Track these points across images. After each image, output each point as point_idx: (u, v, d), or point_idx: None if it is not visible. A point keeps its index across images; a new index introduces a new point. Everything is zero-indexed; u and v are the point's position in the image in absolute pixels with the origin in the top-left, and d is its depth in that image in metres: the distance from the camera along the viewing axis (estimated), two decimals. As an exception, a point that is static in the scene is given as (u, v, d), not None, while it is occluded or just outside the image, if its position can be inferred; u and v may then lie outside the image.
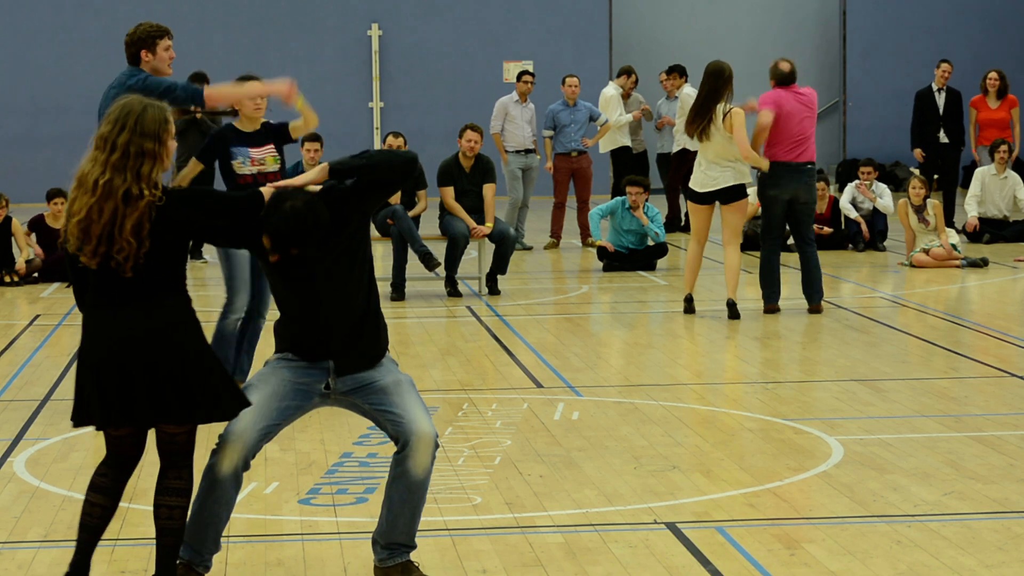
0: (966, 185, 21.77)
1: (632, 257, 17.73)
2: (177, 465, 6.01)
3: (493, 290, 15.82)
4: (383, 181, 6.30)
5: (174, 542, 6.01)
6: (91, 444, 9.14)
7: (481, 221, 15.93)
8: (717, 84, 13.71)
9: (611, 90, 21.44)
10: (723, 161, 13.80)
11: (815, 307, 14.10)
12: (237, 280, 10.40)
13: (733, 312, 13.77)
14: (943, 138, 21.34)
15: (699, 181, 14.00)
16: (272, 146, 10.54)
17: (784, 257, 14.69)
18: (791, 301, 14.46)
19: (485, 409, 10.01)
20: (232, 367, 10.35)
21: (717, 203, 14.06)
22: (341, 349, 6.38)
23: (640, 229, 17.72)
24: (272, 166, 10.49)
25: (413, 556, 6.37)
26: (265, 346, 10.36)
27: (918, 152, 21.38)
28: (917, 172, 20.43)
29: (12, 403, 10.46)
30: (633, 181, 17.81)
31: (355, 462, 8.58)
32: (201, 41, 28.16)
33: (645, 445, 8.92)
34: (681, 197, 22.18)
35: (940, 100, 21.47)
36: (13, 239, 17.35)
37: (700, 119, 13.76)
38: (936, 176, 21.31)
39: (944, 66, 21.59)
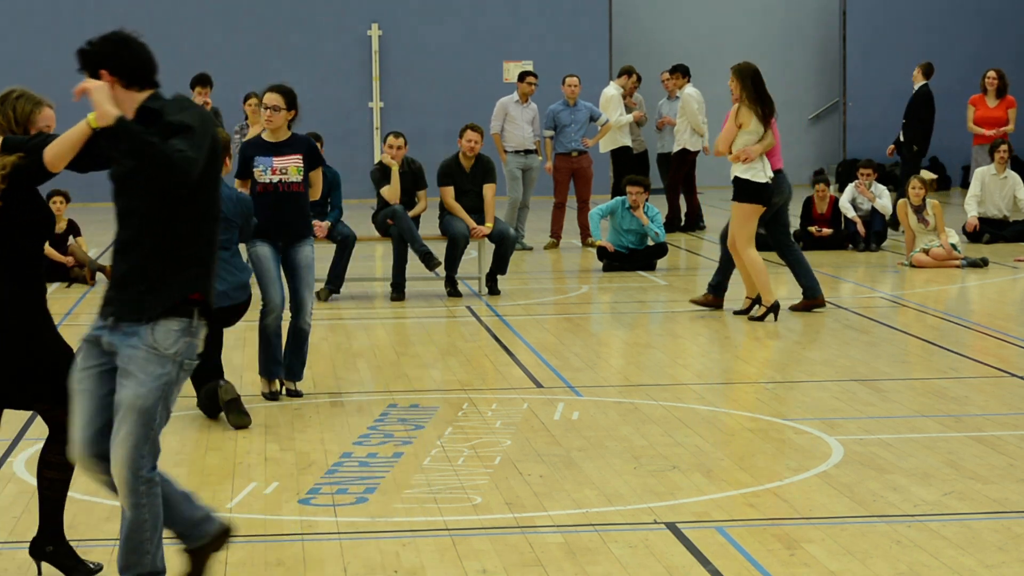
0: (966, 185, 21.80)
1: (632, 257, 17.73)
2: (56, 440, 6.40)
3: (493, 290, 15.81)
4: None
5: (52, 509, 6.49)
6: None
7: (481, 221, 15.92)
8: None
9: (612, 90, 21.43)
10: None
11: (823, 299, 14.12)
12: (263, 278, 10.46)
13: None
14: (901, 137, 21.51)
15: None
16: (299, 156, 10.62)
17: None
18: (791, 301, 14.45)
19: (485, 409, 10.01)
20: (280, 368, 10.44)
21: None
22: (111, 300, 5.84)
23: (640, 229, 17.71)
24: (295, 176, 10.58)
25: (412, 556, 6.37)
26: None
27: (890, 148, 21.70)
28: (926, 172, 20.47)
29: (12, 403, 10.44)
30: (633, 181, 17.80)
31: (355, 462, 8.59)
32: (201, 41, 28.19)
33: (645, 445, 8.92)
34: (681, 197, 22.21)
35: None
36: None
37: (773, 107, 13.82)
38: (934, 176, 21.34)
39: (916, 71, 21.72)
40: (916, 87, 21.52)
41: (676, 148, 21.73)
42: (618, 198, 18.00)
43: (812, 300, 14.12)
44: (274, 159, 10.60)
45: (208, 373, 9.82)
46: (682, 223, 22.18)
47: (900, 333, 13.26)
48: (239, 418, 9.54)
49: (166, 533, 5.95)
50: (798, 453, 8.72)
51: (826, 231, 19.41)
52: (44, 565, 6.67)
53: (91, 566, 6.59)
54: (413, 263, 15.88)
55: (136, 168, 5.65)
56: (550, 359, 11.91)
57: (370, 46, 29.79)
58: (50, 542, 6.54)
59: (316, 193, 10.74)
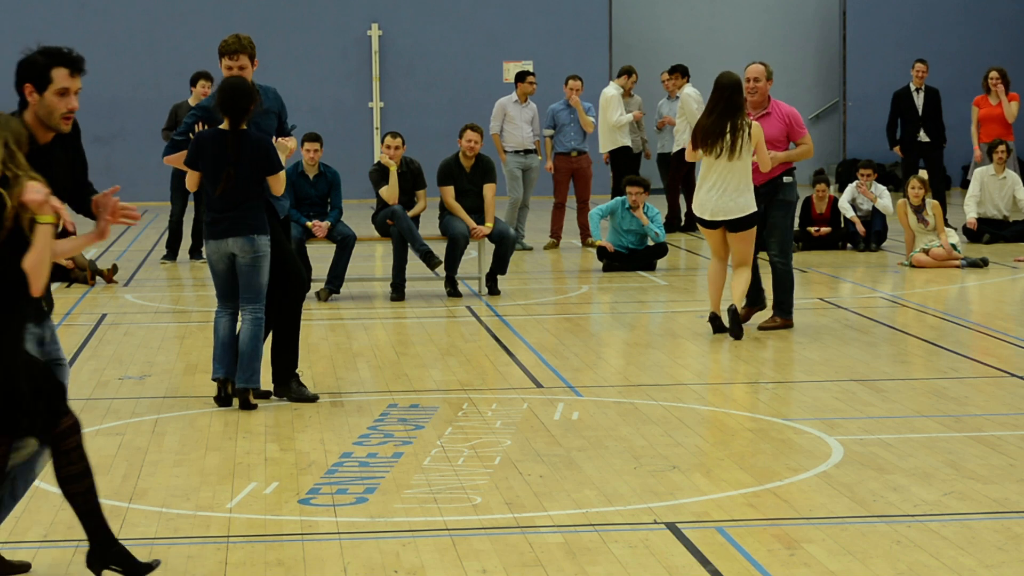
0: (966, 185, 21.85)
1: (632, 257, 17.72)
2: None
3: (493, 290, 15.81)
4: None
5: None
6: (91, 444, 9.12)
7: (481, 221, 15.92)
8: (738, 97, 12.52)
9: (611, 90, 21.43)
10: (744, 185, 12.63)
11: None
12: None
13: (736, 330, 12.65)
14: (923, 137, 21.53)
15: (715, 207, 12.63)
16: None
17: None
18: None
19: (485, 409, 10.01)
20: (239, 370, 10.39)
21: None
22: None
23: (640, 229, 17.71)
24: None
25: (412, 556, 6.36)
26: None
27: (897, 149, 21.70)
28: (922, 173, 20.48)
29: (12, 403, 10.44)
30: (633, 181, 17.81)
31: (355, 462, 8.59)
32: (201, 41, 28.16)
33: (645, 445, 8.92)
34: (681, 197, 22.22)
35: (919, 100, 21.60)
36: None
37: (719, 135, 12.47)
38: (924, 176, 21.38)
39: (919, 66, 21.82)
40: (924, 86, 21.61)
41: (676, 148, 21.73)
42: (618, 198, 18.00)
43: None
44: None
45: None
46: (682, 223, 22.19)
47: (900, 333, 13.25)
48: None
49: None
50: (798, 453, 8.72)
51: (825, 230, 19.42)
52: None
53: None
54: (413, 263, 15.88)
55: None
56: (550, 359, 11.91)
57: (370, 46, 29.80)
58: (109, 546, 6.39)
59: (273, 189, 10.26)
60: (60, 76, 6.44)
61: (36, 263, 5.99)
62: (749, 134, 12.54)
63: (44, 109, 6.47)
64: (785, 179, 13.14)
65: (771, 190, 13.04)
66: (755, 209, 12.69)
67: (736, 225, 12.68)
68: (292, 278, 10.30)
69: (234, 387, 10.12)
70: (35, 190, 5.98)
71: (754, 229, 12.78)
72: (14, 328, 6.13)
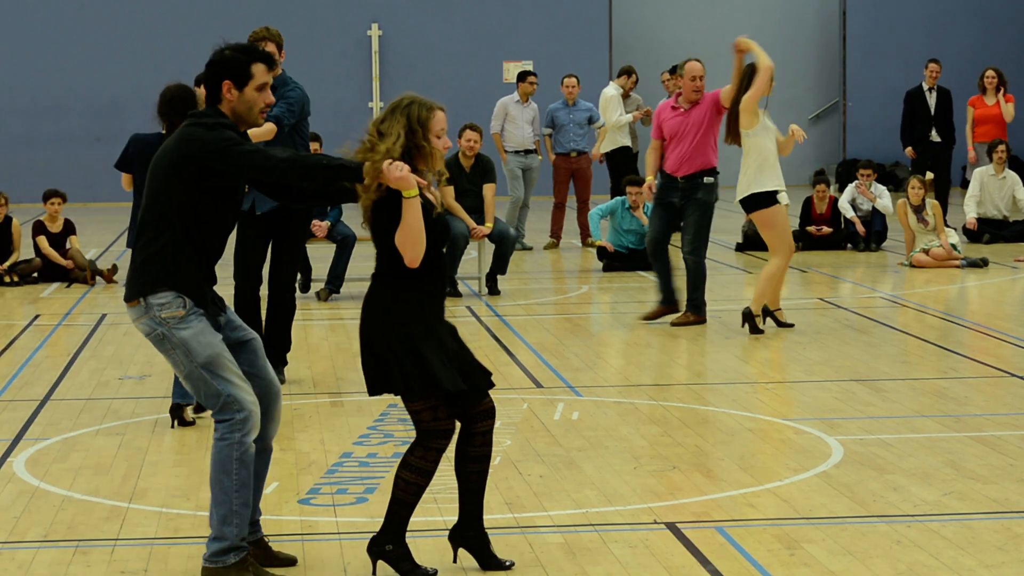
0: (965, 185, 21.84)
1: (632, 257, 17.72)
2: (416, 441, 6.47)
3: (493, 290, 15.81)
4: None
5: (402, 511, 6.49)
6: (91, 444, 9.14)
7: (481, 221, 15.92)
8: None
9: (611, 90, 21.41)
10: (746, 167, 12.96)
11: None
12: None
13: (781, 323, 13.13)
14: (935, 137, 21.51)
15: (778, 182, 12.88)
16: None
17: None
18: (791, 301, 14.45)
19: (485, 409, 9.99)
20: None
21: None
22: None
23: (640, 229, 17.70)
24: None
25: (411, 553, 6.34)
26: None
27: (909, 150, 21.64)
28: (929, 175, 20.50)
29: (12, 403, 10.46)
30: (633, 181, 17.80)
31: (355, 462, 8.59)
32: (201, 41, 28.14)
33: (645, 445, 8.92)
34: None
35: (931, 100, 21.60)
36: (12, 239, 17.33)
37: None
38: (931, 176, 21.37)
39: (932, 66, 21.82)
40: (936, 86, 21.61)
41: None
42: (618, 198, 18.00)
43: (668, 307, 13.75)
44: None
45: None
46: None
47: (900, 333, 13.25)
48: None
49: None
50: (798, 453, 8.72)
51: (826, 230, 19.42)
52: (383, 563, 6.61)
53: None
54: (413, 263, 15.86)
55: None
56: (550, 359, 11.91)
57: (370, 46, 29.81)
58: (471, 528, 6.60)
59: None
60: (259, 71, 6.54)
61: (404, 237, 6.23)
62: (735, 114, 12.88)
63: (244, 105, 6.54)
64: (705, 179, 13.39)
65: (691, 188, 13.33)
66: (751, 191, 12.91)
67: (743, 205, 13.12)
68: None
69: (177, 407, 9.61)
70: (396, 169, 6.19)
71: (763, 212, 12.95)
72: (410, 304, 6.34)
